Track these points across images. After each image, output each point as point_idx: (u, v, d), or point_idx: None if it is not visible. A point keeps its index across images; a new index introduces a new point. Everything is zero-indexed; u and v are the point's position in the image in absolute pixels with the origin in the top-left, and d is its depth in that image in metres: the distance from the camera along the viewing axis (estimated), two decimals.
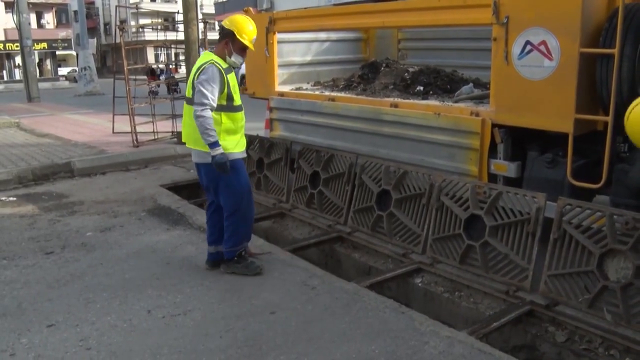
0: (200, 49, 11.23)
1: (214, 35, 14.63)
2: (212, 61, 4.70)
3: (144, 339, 3.98)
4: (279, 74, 7.92)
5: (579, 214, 4.39)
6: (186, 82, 5.31)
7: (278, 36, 7.67)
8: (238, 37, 4.76)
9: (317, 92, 7.51)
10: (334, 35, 8.57)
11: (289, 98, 7.61)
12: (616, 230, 4.17)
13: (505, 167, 5.32)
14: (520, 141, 5.35)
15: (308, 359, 3.69)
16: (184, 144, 5.08)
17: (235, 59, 4.83)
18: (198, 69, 4.72)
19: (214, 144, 4.59)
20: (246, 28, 4.80)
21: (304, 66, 8.42)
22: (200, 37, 12.28)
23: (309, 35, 8.29)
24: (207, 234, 5.21)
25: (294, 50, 8.25)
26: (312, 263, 5.39)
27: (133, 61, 12.89)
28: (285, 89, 7.87)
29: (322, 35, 8.43)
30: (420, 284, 5.15)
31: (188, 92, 4.86)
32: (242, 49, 4.85)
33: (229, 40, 4.80)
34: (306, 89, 7.88)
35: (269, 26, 7.49)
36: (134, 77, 12.25)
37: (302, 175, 7.01)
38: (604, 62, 4.69)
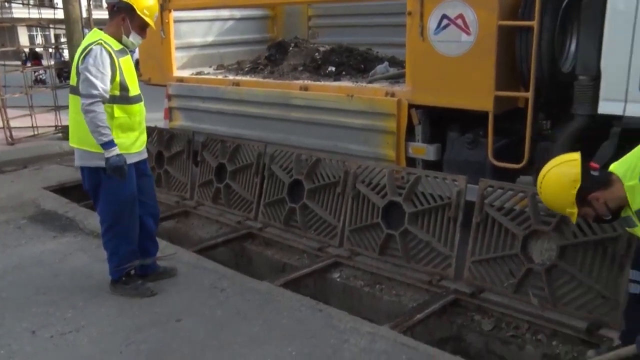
0: (85, 30, 10.73)
1: (100, 14, 14.09)
2: (99, 41, 4.33)
3: None
4: (177, 57, 7.79)
5: (501, 196, 4.57)
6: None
7: (174, 14, 7.52)
8: (138, 12, 4.43)
9: (220, 77, 7.45)
10: (237, 13, 8.50)
11: (189, 84, 7.50)
12: (539, 211, 4.36)
13: (423, 150, 5.44)
14: (439, 122, 5.49)
15: None
16: None
17: (133, 39, 4.51)
18: (82, 51, 4.36)
19: (109, 144, 4.26)
20: (147, 2, 4.49)
21: (205, 48, 8.31)
22: (84, 15, 11.78)
23: (209, 13, 8.16)
24: None
25: (193, 31, 8.11)
26: (220, 263, 5.34)
27: (0, 43, 12.09)
28: (185, 73, 7.77)
29: (225, 13, 8.34)
30: (338, 279, 5.20)
31: (72, 80, 4.51)
32: (142, 28, 4.53)
33: (125, 17, 4.44)
34: (208, 74, 7.80)
35: (164, 3, 7.32)
36: (2, 62, 11.61)
37: (206, 168, 6.94)
38: (523, 35, 4.87)
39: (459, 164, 5.27)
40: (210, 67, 8.20)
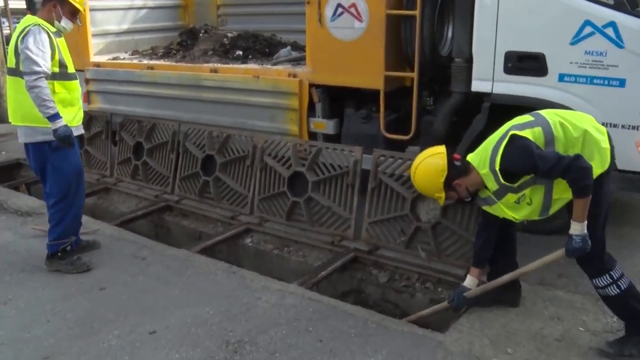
0: (2, 19, 10.06)
1: (17, 4, 13.25)
2: (37, 23, 4.14)
3: None
4: (94, 43, 7.41)
5: (392, 164, 4.63)
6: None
7: (90, 3, 7.14)
8: None
9: (135, 61, 7.17)
10: (150, 2, 8.18)
11: (106, 68, 7.18)
12: None
13: (323, 125, 5.48)
14: (336, 99, 5.52)
15: (143, 329, 3.59)
16: None
17: (65, 24, 4.31)
18: (21, 32, 4.13)
19: (55, 116, 4.04)
20: None
21: (121, 35, 7.93)
22: (1, 5, 11.04)
23: (124, 2, 7.82)
24: None
25: (109, 19, 7.72)
26: (141, 235, 5.22)
27: None
28: (102, 59, 7.40)
29: (138, 2, 8.00)
30: (250, 244, 5.18)
31: (10, 62, 4.26)
32: (72, 13, 4.34)
33: (57, 3, 4.25)
34: (124, 59, 7.47)
35: None
36: None
37: (124, 147, 6.69)
38: (408, 23, 4.95)
39: (355, 137, 5.33)
40: (126, 52, 7.86)
